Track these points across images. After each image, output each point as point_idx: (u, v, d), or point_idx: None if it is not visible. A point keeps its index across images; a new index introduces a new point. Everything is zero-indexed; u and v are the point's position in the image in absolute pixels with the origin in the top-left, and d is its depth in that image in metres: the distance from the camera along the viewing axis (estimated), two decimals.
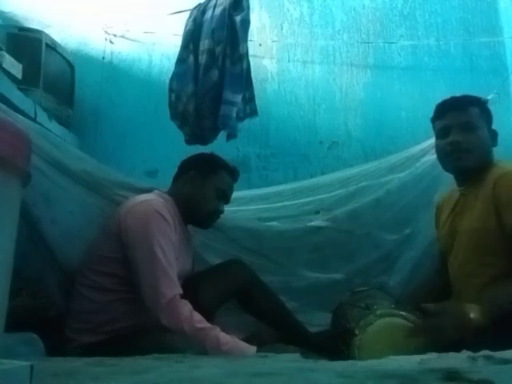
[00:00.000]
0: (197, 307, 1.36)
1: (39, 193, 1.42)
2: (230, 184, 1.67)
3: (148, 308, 1.33)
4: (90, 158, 1.61)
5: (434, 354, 0.97)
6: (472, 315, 1.20)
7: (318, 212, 2.05)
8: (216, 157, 1.69)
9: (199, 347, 1.27)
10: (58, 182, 1.48)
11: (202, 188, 1.60)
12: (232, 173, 1.68)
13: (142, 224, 1.39)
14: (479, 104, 1.52)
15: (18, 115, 1.35)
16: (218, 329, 1.33)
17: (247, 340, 1.43)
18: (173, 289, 1.34)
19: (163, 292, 1.32)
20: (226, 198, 1.67)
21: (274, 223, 2.01)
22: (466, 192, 1.51)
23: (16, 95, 1.73)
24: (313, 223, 2.00)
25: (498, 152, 1.55)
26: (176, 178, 1.67)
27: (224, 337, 1.31)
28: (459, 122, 1.47)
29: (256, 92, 1.99)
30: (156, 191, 1.62)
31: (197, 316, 1.33)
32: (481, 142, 1.47)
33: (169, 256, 1.38)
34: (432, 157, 1.81)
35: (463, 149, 1.46)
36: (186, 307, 1.33)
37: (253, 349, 1.32)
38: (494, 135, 1.52)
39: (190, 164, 1.67)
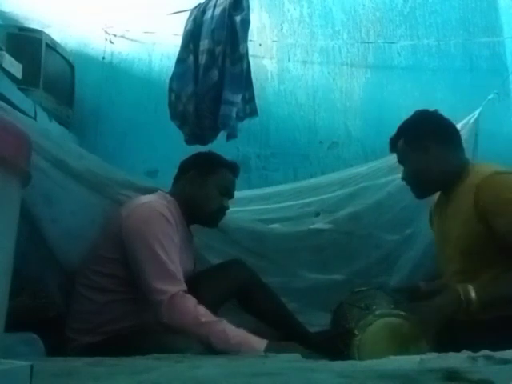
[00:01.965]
0: None
1: (40, 193, 1.42)
2: (231, 180, 1.67)
3: (152, 307, 1.33)
4: (92, 156, 1.60)
5: (434, 354, 0.97)
6: (468, 295, 1.21)
7: (318, 214, 2.05)
8: (214, 155, 1.69)
9: (205, 342, 1.25)
10: (60, 182, 1.47)
11: (203, 187, 1.59)
12: (232, 169, 1.67)
13: (144, 226, 1.39)
14: (402, 134, 1.53)
15: (19, 113, 1.35)
16: (224, 321, 1.31)
17: None
18: (175, 285, 1.33)
19: (164, 289, 1.31)
20: (229, 193, 1.66)
21: (277, 226, 2.01)
22: (450, 199, 1.51)
23: (16, 95, 1.73)
24: (315, 226, 2.00)
25: (498, 152, 1.55)
26: (176, 179, 1.67)
27: (232, 330, 1.29)
28: (399, 161, 1.58)
29: (256, 92, 1.99)
30: (159, 192, 1.61)
31: (202, 310, 1.31)
32: (413, 173, 1.52)
33: (171, 254, 1.37)
34: None
35: (409, 184, 1.57)
36: (190, 302, 1.32)
37: (263, 342, 1.28)
38: (436, 146, 1.47)
39: (190, 164, 1.66)
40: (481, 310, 1.21)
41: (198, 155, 1.70)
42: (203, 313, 1.31)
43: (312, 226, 2.00)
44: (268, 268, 1.91)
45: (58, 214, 1.49)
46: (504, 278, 1.28)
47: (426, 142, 1.48)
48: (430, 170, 1.48)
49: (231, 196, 1.68)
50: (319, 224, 2.00)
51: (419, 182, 1.53)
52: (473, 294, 1.21)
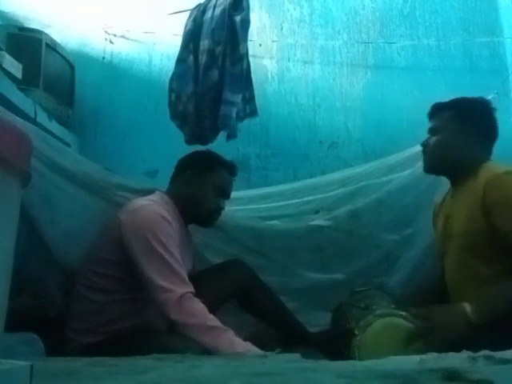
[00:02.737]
0: None
1: (39, 194, 1.43)
2: (228, 180, 1.67)
3: (159, 308, 1.32)
4: (88, 161, 1.62)
5: (434, 354, 0.97)
6: (466, 313, 1.21)
7: (317, 211, 2.05)
8: (212, 154, 1.69)
9: (210, 347, 1.25)
10: (58, 184, 1.49)
11: (200, 187, 1.60)
12: (230, 168, 1.67)
13: (145, 229, 1.39)
14: (454, 107, 1.52)
15: (17, 117, 1.35)
16: (231, 332, 1.30)
17: (247, 340, 1.43)
18: (182, 286, 1.33)
19: (170, 288, 1.31)
20: (225, 194, 1.67)
21: (275, 222, 2.00)
22: (456, 194, 1.51)
23: (16, 95, 1.73)
24: (314, 223, 2.00)
25: (498, 152, 1.55)
26: (173, 178, 1.67)
27: (238, 342, 1.29)
28: (430, 127, 1.56)
29: (256, 92, 1.99)
30: (157, 192, 1.61)
31: (210, 315, 1.32)
32: (439, 144, 1.51)
33: (175, 255, 1.38)
34: None
35: (424, 152, 1.57)
36: (199, 305, 1.32)
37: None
38: (474, 136, 1.48)
39: (187, 163, 1.66)
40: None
41: (196, 154, 1.70)
42: (212, 318, 1.31)
43: (311, 223, 2.00)
44: (267, 267, 1.91)
45: (57, 216, 1.50)
46: (500, 289, 1.28)
47: (471, 127, 1.48)
48: (456, 151, 1.48)
49: (228, 196, 1.68)
50: (318, 221, 2.00)
51: (439, 155, 1.51)
52: (472, 316, 1.21)
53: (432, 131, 1.55)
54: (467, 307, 1.23)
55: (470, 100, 1.54)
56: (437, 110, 1.55)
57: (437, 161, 1.53)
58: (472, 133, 1.48)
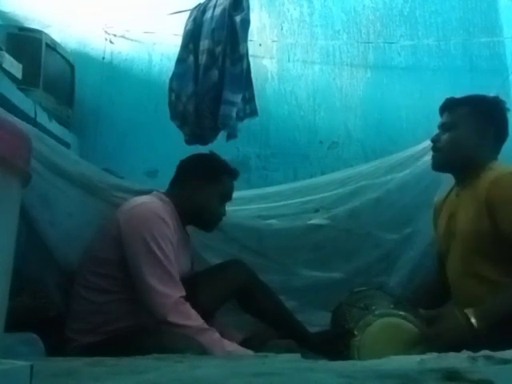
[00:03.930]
0: (197, 307, 1.37)
1: (37, 195, 1.43)
2: (231, 186, 1.67)
3: (151, 310, 1.33)
4: (86, 162, 1.62)
5: (434, 354, 0.97)
6: (470, 320, 1.21)
7: (317, 210, 2.05)
8: (217, 161, 1.66)
9: (202, 347, 1.26)
10: (56, 185, 1.49)
11: (205, 194, 1.58)
12: (233, 174, 1.67)
13: (142, 227, 1.39)
14: (471, 104, 1.49)
15: (16, 118, 1.35)
16: (218, 333, 1.35)
17: (247, 340, 1.43)
18: (177, 290, 1.35)
19: (169, 293, 1.32)
20: (228, 199, 1.67)
21: (274, 221, 2.00)
22: (461, 193, 1.50)
23: (16, 95, 1.73)
24: (313, 221, 2.00)
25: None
26: (174, 181, 1.65)
27: (227, 343, 1.34)
28: (442, 122, 1.52)
29: (256, 92, 1.99)
30: (155, 192, 1.60)
31: (201, 318, 1.35)
32: (453, 141, 1.47)
33: (170, 258, 1.38)
34: None
35: (434, 148, 1.52)
36: (191, 309, 1.35)
37: (250, 353, 1.33)
38: (489, 135, 1.47)
39: (192, 169, 1.64)
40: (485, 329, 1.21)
41: (201, 160, 1.66)
42: (203, 321, 1.34)
43: (310, 222, 2.00)
44: (266, 266, 1.90)
45: (55, 217, 1.50)
46: (502, 294, 1.28)
47: (486, 126, 1.46)
48: (469, 149, 1.46)
49: (230, 199, 1.69)
50: (317, 219, 2.00)
51: (453, 152, 1.48)
52: (474, 321, 1.21)
53: (445, 127, 1.50)
54: (471, 314, 1.22)
55: (486, 98, 1.52)
56: (451, 106, 1.51)
57: (449, 158, 1.49)
58: (486, 132, 1.46)
